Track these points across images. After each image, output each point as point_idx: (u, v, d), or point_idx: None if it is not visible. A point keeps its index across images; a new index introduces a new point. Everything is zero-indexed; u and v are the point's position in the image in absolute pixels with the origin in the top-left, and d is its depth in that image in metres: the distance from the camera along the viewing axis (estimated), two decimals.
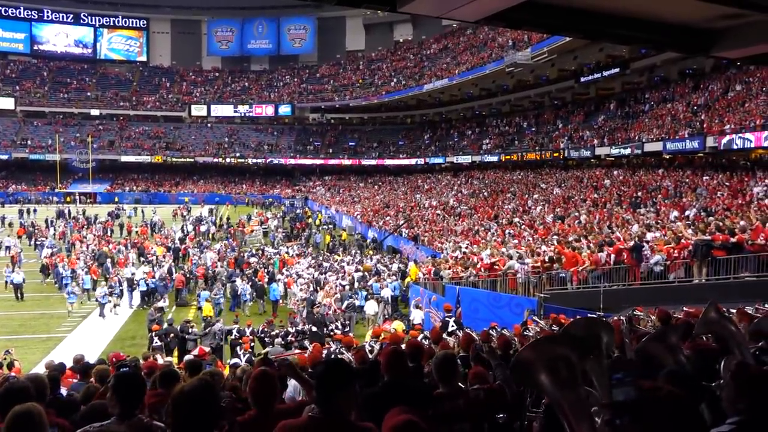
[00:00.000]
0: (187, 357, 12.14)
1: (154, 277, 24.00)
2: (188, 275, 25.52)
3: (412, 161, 55.62)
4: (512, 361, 2.00)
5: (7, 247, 30.90)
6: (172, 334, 16.77)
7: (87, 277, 24.29)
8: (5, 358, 11.79)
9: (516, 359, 1.97)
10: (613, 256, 14.91)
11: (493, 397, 3.65)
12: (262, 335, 16.78)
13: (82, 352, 12.81)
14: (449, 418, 3.35)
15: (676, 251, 14.20)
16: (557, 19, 4.90)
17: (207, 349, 14.32)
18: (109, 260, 27.77)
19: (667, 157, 28.16)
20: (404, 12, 5.11)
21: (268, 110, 68.05)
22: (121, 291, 23.18)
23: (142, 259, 29.18)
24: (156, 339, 16.33)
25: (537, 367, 1.87)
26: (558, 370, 1.82)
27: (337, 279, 24.56)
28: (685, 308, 9.45)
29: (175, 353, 16.46)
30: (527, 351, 1.93)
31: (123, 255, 29.32)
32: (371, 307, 20.82)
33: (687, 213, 18.86)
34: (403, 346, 6.25)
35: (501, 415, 3.69)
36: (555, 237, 19.61)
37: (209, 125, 68.81)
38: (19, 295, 23.44)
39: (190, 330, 16.97)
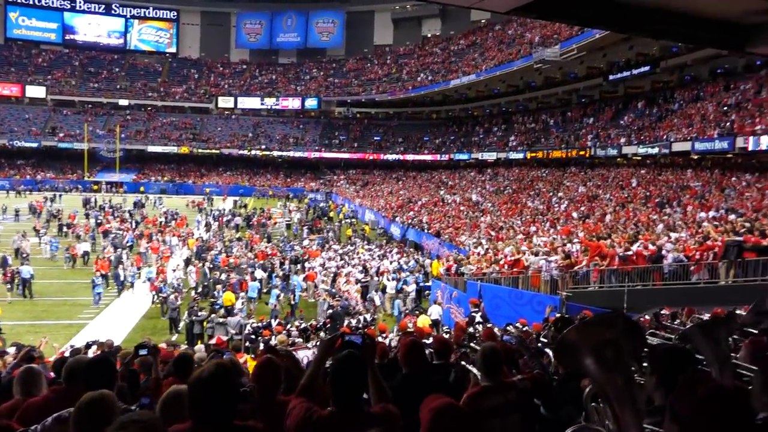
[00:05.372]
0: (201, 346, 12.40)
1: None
2: (211, 266, 25.71)
3: (437, 157, 55.40)
4: (556, 342, 1.97)
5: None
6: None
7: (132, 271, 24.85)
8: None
9: (560, 341, 1.91)
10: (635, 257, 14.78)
11: (539, 386, 3.61)
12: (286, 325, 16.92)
13: (104, 339, 13.02)
14: (501, 411, 3.25)
15: (698, 253, 13.98)
16: (589, 11, 4.82)
17: (224, 338, 14.49)
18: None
19: (696, 157, 27.67)
20: (436, 2, 5.07)
21: (294, 103, 68.33)
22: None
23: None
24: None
25: (582, 350, 1.81)
26: (604, 353, 1.76)
27: (358, 270, 24.54)
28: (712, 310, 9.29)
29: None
30: (572, 333, 1.86)
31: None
32: (377, 298, 20.90)
33: (711, 214, 18.50)
34: (429, 341, 6.22)
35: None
36: (580, 234, 19.40)
37: (235, 117, 69.39)
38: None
39: (198, 313, 17.31)
